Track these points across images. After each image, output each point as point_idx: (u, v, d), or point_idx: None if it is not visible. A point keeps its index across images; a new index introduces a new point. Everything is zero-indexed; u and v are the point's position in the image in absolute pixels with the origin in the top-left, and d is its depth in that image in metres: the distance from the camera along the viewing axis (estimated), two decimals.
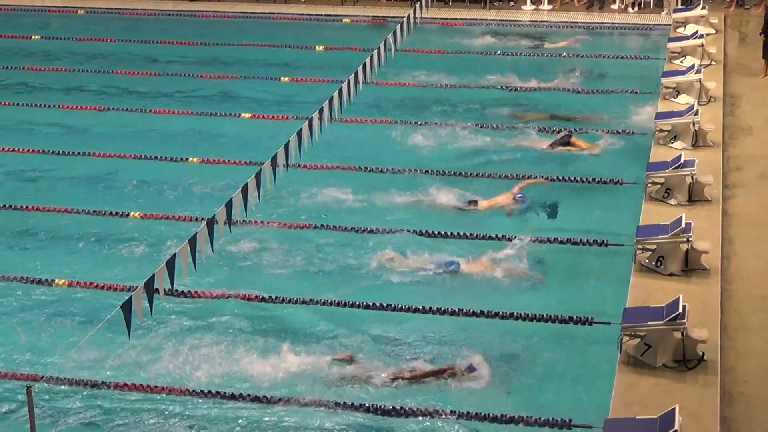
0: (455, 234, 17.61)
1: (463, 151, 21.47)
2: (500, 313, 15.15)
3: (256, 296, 15.84)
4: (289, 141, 16.20)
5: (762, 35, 25.16)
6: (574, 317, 14.93)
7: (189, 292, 15.81)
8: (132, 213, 18.68)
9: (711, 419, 12.30)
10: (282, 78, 26.33)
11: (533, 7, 32.16)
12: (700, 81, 22.68)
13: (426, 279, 16.52)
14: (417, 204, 18.96)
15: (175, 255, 12.53)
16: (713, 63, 25.22)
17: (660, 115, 21.21)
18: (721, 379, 13.10)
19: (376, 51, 21.00)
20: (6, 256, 17.53)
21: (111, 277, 16.44)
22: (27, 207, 19.03)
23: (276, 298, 15.80)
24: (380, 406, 13.24)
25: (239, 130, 22.93)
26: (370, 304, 15.54)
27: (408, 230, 17.72)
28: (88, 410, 13.41)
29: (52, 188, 20.24)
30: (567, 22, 30.97)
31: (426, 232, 17.70)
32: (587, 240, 17.19)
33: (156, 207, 18.89)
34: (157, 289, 12.14)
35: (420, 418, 13.02)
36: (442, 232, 17.66)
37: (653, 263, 15.67)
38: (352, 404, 13.31)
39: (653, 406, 12.27)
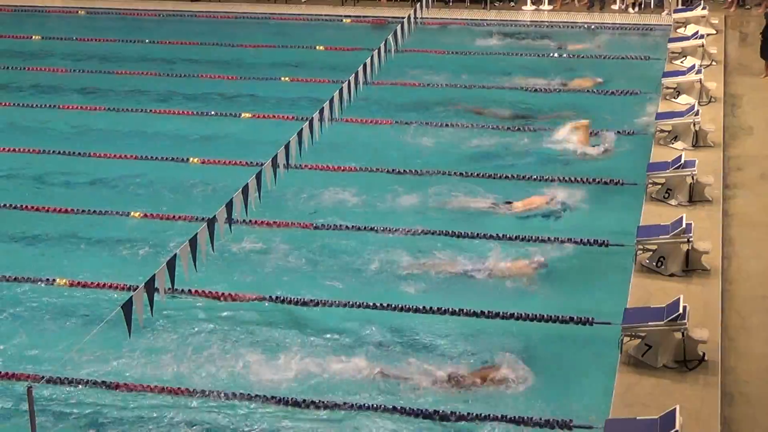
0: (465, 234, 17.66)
1: (465, 151, 21.48)
2: (500, 313, 15.14)
3: (262, 297, 15.85)
4: (289, 141, 16.20)
5: (761, 35, 25.15)
6: (575, 317, 14.92)
7: (192, 291, 15.80)
8: (133, 213, 18.68)
9: (712, 419, 12.30)
10: (283, 78, 26.33)
11: (534, 7, 32.16)
12: (700, 81, 22.68)
13: (426, 278, 16.54)
14: (423, 204, 18.98)
15: (175, 255, 12.53)
16: (714, 63, 25.23)
17: (660, 116, 21.21)
18: (721, 380, 13.09)
19: (376, 51, 20.99)
20: (7, 256, 17.52)
21: (112, 276, 16.43)
22: (28, 207, 19.03)
23: (281, 298, 15.83)
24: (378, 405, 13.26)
25: (240, 131, 22.94)
26: (381, 304, 15.58)
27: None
28: (89, 410, 13.40)
29: (53, 188, 20.24)
30: (567, 22, 30.98)
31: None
32: (588, 240, 17.18)
33: (157, 207, 18.90)
34: (157, 289, 12.14)
35: (414, 417, 13.02)
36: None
37: (654, 263, 15.66)
38: (355, 404, 13.32)
39: (654, 407, 12.27)
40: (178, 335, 15.00)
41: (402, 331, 15.05)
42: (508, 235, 17.46)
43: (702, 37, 25.62)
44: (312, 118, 17.35)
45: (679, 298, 13.51)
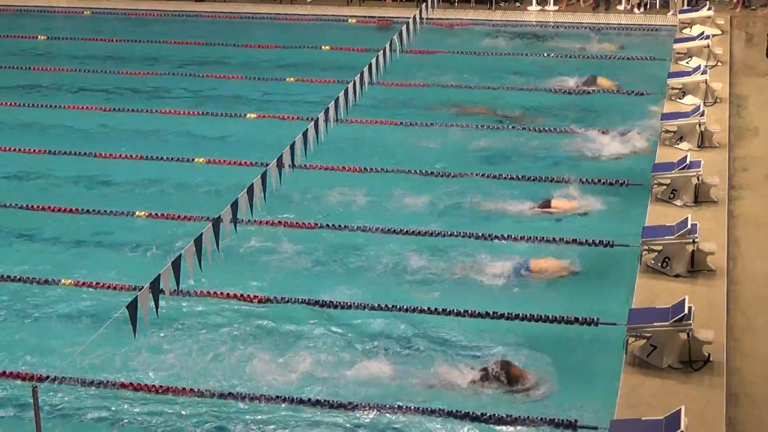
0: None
1: (471, 152, 21.48)
2: (505, 314, 15.14)
3: (269, 297, 15.87)
4: (294, 141, 16.21)
5: (767, 36, 25.15)
6: (580, 318, 14.92)
7: (197, 291, 15.81)
8: (138, 213, 18.69)
9: (717, 420, 12.28)
10: (288, 78, 26.34)
11: (539, 7, 32.14)
12: (706, 82, 22.65)
13: (432, 279, 16.56)
14: (429, 205, 19.00)
15: (180, 255, 12.52)
16: (719, 64, 25.19)
17: (666, 116, 21.18)
18: (726, 381, 13.08)
19: (382, 51, 21.00)
20: (13, 255, 17.54)
21: (117, 277, 16.45)
22: (33, 206, 19.04)
23: (280, 298, 15.85)
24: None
25: (245, 131, 22.96)
26: (388, 305, 15.58)
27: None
28: (94, 410, 13.41)
29: (58, 188, 20.26)
30: (573, 23, 30.96)
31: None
32: (593, 240, 17.17)
33: (162, 207, 18.90)
34: (162, 290, 12.14)
35: (413, 416, 13.02)
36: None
37: (659, 264, 15.65)
38: (360, 405, 13.33)
39: (659, 407, 12.26)
40: (185, 335, 15.01)
41: (408, 332, 15.04)
42: (514, 236, 17.46)
43: (707, 37, 25.60)
44: (317, 118, 17.35)
45: (684, 299, 13.49)
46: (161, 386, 13.74)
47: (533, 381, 13.77)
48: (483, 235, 17.57)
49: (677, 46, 25.96)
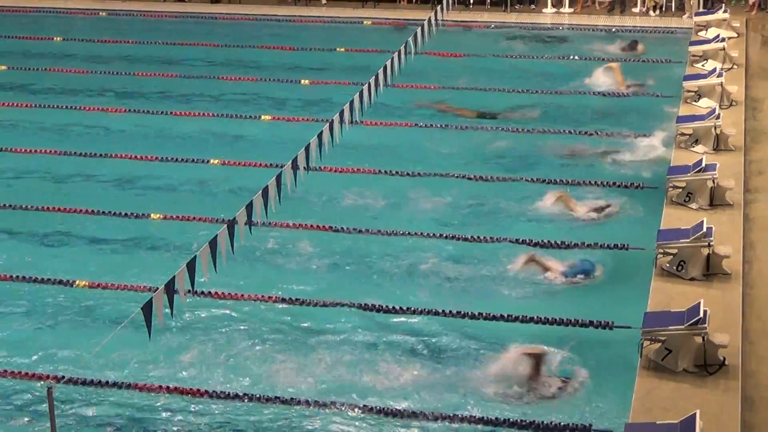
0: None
1: (487, 154, 21.48)
2: (520, 316, 15.13)
3: (283, 298, 15.89)
4: (309, 143, 16.22)
5: None
6: (594, 321, 14.89)
7: (213, 293, 15.82)
8: (153, 214, 18.72)
9: (732, 424, 12.25)
10: (303, 80, 26.36)
11: (554, 10, 32.11)
12: (721, 84, 22.61)
13: (445, 282, 16.55)
14: (444, 207, 18.99)
15: (195, 257, 12.54)
16: (735, 66, 25.14)
17: (681, 119, 21.15)
18: (742, 384, 13.04)
19: (397, 53, 21.00)
20: (27, 257, 17.56)
21: (131, 278, 16.47)
22: (48, 208, 19.09)
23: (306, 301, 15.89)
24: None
25: (260, 133, 22.99)
26: (402, 308, 15.59)
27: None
28: (110, 411, 13.43)
29: (73, 189, 20.30)
30: (588, 25, 30.93)
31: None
32: (608, 244, 17.14)
33: (176, 209, 18.92)
34: (177, 291, 12.16)
35: (429, 422, 13.03)
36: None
37: (674, 267, 15.62)
38: (379, 408, 13.33)
39: (674, 411, 12.23)
40: (199, 337, 15.02)
41: (425, 334, 15.02)
42: (529, 240, 17.44)
43: (723, 40, 25.57)
44: (332, 120, 17.36)
45: (699, 303, 13.46)
46: (177, 387, 13.76)
47: (544, 383, 13.75)
48: (499, 238, 17.55)
49: (693, 48, 25.93)
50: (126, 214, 18.74)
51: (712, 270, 15.54)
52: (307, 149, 16.01)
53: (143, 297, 13.09)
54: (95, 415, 13.40)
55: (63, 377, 13.70)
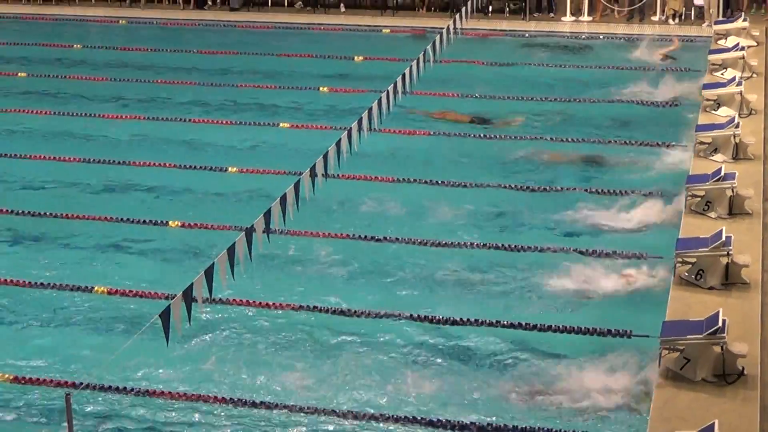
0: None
1: (506, 163, 21.47)
2: (538, 325, 15.11)
3: (301, 306, 15.87)
4: (328, 151, 16.23)
5: None
6: (613, 330, 14.86)
7: (231, 300, 15.84)
8: (171, 222, 18.75)
9: None
10: (321, 88, 26.41)
11: (573, 18, 32.10)
12: (741, 93, 22.54)
13: (467, 291, 16.55)
14: (463, 215, 18.99)
15: (213, 264, 12.56)
16: (754, 75, 25.07)
17: (700, 128, 21.10)
18: (761, 394, 12.97)
19: (415, 61, 21.02)
20: (46, 263, 17.64)
21: (150, 285, 16.51)
22: (68, 215, 19.14)
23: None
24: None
25: (278, 140, 23.02)
26: (422, 316, 15.58)
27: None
28: (127, 418, 13.46)
29: (91, 196, 20.37)
30: (607, 33, 30.92)
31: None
32: (626, 253, 17.11)
33: (195, 216, 18.96)
34: (195, 298, 12.18)
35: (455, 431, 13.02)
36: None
37: (693, 276, 15.56)
38: (398, 417, 13.32)
39: (692, 421, 12.18)
40: (218, 344, 15.04)
41: (442, 343, 15.02)
42: (548, 248, 17.44)
43: (743, 49, 25.49)
44: (351, 127, 17.37)
45: (718, 312, 13.41)
46: (194, 394, 13.77)
47: (563, 391, 13.73)
48: (518, 246, 17.53)
49: (712, 57, 25.86)
50: (144, 221, 18.78)
51: (730, 279, 15.48)
52: (325, 157, 16.03)
53: (161, 304, 13.12)
54: (113, 421, 13.41)
55: (81, 383, 13.72)
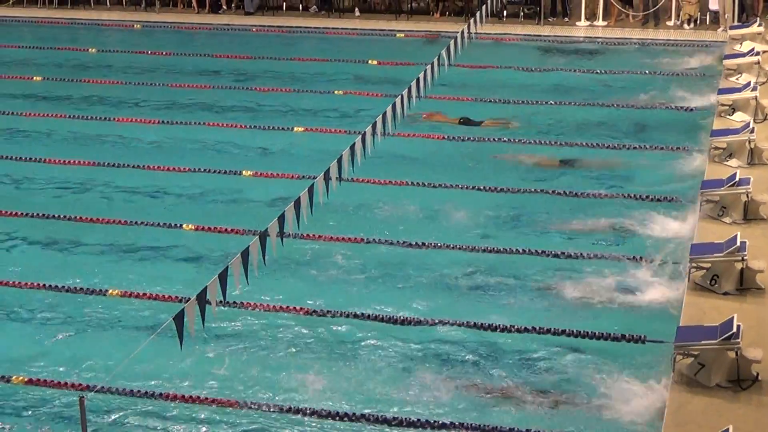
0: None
1: (521, 167, 21.47)
2: (552, 329, 15.09)
3: (315, 310, 15.88)
4: (342, 155, 16.24)
5: None
6: (627, 335, 14.83)
7: (246, 303, 15.84)
8: (185, 225, 18.78)
9: None
10: (336, 92, 26.45)
11: (588, 23, 32.08)
12: (756, 98, 22.50)
13: (481, 294, 16.53)
14: (478, 220, 18.97)
15: (227, 267, 12.57)
16: None
17: (715, 133, 21.07)
18: None
19: (429, 66, 21.02)
20: (61, 266, 17.68)
21: (164, 288, 16.54)
22: (82, 218, 19.20)
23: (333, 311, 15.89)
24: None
25: (293, 144, 23.04)
26: (437, 320, 15.57)
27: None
28: (141, 421, 13.47)
29: (107, 200, 20.42)
30: (622, 38, 30.89)
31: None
32: (640, 257, 17.08)
33: (209, 220, 18.98)
34: (209, 301, 12.19)
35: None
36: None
37: (707, 282, 15.53)
38: (415, 421, 13.32)
39: (706, 427, 12.16)
40: (231, 347, 15.05)
41: (459, 346, 14.99)
42: (561, 253, 17.42)
43: (758, 54, 25.43)
44: (365, 131, 17.38)
45: (732, 317, 13.38)
46: (208, 398, 13.78)
47: (575, 396, 13.71)
48: (535, 251, 17.51)
49: (727, 62, 25.84)
50: (159, 224, 18.82)
51: (745, 284, 15.45)
52: (339, 161, 16.04)
53: (175, 307, 13.14)
54: (127, 424, 13.44)
55: (95, 386, 13.73)
